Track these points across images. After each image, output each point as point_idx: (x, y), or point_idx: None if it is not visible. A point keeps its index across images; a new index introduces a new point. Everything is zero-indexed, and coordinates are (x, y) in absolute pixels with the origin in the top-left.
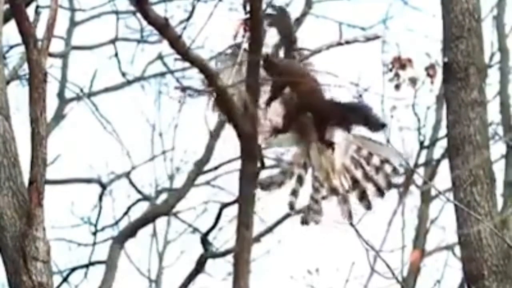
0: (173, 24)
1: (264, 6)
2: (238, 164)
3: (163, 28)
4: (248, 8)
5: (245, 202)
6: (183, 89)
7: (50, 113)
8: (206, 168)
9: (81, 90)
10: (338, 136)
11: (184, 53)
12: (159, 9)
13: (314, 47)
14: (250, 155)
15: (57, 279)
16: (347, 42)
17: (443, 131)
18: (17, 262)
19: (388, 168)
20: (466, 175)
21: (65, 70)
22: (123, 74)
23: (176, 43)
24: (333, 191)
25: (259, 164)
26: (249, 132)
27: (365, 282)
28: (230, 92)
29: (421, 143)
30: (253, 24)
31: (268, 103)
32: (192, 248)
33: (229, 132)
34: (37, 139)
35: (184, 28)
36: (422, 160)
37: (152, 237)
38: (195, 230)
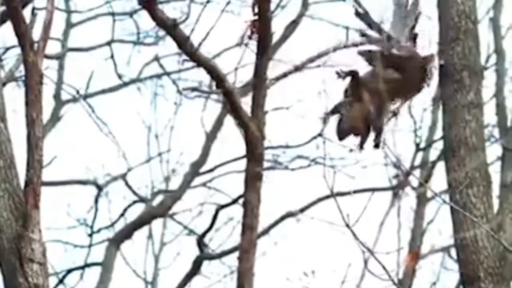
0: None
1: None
2: (233, 166)
3: (171, 29)
4: (256, 10)
5: (250, 204)
6: (192, 90)
7: (46, 115)
8: (202, 170)
9: (77, 92)
10: None
11: (192, 54)
12: None
13: (321, 49)
14: (256, 157)
15: (53, 281)
16: (354, 45)
17: (439, 133)
18: (13, 264)
19: None
20: (462, 177)
21: (61, 72)
22: (119, 76)
23: (184, 44)
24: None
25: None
26: (255, 134)
27: (361, 284)
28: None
29: (417, 145)
30: (261, 26)
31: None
32: (188, 249)
33: (233, 134)
34: (33, 140)
35: (192, 30)
36: (418, 162)
37: (148, 239)
38: (191, 232)
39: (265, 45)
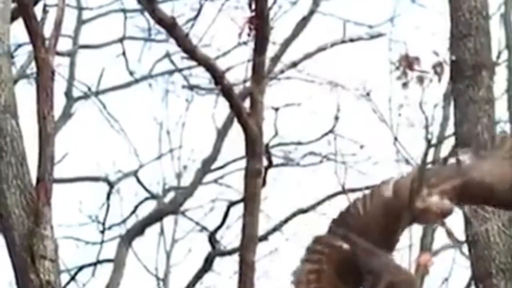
0: (181, 23)
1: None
2: (245, 162)
3: (170, 27)
4: (253, 6)
5: (250, 201)
6: (191, 87)
7: (57, 112)
8: (213, 166)
9: (89, 89)
10: None
11: (191, 51)
12: (166, 8)
13: (319, 44)
14: (255, 153)
15: (64, 278)
16: (351, 40)
17: (450, 129)
18: (24, 260)
19: None
20: None
21: (73, 69)
22: (131, 73)
23: (183, 42)
24: None
25: (266, 163)
26: (254, 131)
27: None
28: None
29: (429, 141)
30: (259, 22)
31: None
32: (200, 246)
33: (236, 131)
34: (45, 137)
35: (191, 27)
36: (429, 158)
37: (160, 236)
38: (203, 228)
39: (263, 42)
